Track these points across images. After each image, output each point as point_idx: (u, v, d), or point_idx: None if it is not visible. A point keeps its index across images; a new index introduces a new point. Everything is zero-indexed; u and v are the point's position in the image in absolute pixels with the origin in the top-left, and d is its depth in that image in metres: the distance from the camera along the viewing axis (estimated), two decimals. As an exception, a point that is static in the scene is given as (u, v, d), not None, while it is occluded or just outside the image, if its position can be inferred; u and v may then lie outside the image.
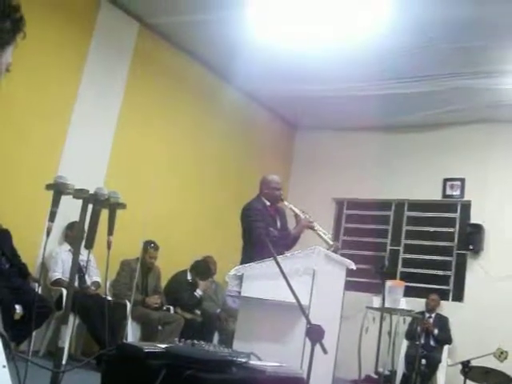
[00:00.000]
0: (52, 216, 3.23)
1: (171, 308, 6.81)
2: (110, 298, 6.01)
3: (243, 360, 2.79)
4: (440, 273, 8.57)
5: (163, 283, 7.09)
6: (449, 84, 7.23)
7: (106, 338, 4.66)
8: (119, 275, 6.44)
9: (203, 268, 7.21)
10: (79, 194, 3.36)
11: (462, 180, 8.55)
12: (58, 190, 3.24)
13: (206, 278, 7.24)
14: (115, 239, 3.57)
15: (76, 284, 5.61)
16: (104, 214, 3.52)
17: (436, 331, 7.69)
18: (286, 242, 5.27)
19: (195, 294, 7.09)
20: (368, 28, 6.18)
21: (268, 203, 5.37)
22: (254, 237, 5.09)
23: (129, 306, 6.10)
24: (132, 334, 6.14)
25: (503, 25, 5.92)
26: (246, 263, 5.01)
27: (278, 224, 5.41)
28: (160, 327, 6.44)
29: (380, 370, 6.82)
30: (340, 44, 6.58)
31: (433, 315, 7.89)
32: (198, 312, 7.08)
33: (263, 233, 5.01)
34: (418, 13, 5.86)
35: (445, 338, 7.69)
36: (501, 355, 5.65)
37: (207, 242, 7.65)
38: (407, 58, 6.75)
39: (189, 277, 7.17)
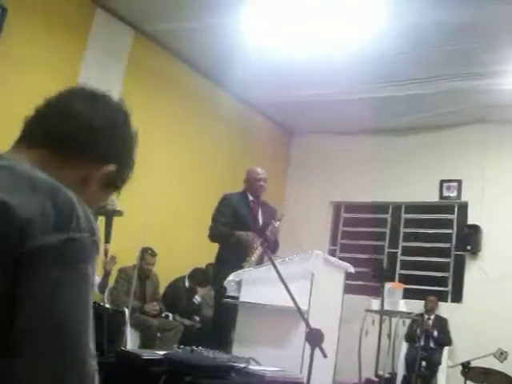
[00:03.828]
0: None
1: (170, 315, 6.79)
2: (108, 306, 6.00)
3: (242, 365, 2.79)
4: (438, 274, 8.57)
5: (162, 290, 7.07)
6: (444, 86, 7.24)
7: (104, 345, 4.64)
8: (117, 282, 6.43)
9: (201, 276, 7.19)
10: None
11: (459, 181, 8.55)
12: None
13: (205, 285, 7.22)
14: (113, 247, 3.56)
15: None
16: (101, 221, 3.52)
17: (435, 333, 7.68)
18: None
19: (193, 300, 7.08)
20: (362, 32, 6.18)
21: (251, 198, 5.24)
22: (211, 230, 5.09)
23: (127, 313, 6.09)
24: (131, 341, 6.12)
25: (496, 27, 5.94)
26: (220, 259, 5.11)
27: (260, 221, 5.20)
28: (159, 334, 6.42)
29: (380, 372, 6.81)
30: (334, 49, 6.58)
31: (432, 317, 7.88)
32: (197, 318, 7.06)
33: (222, 231, 5.00)
34: (411, 17, 5.87)
35: (444, 340, 7.68)
36: (501, 355, 5.65)
37: (205, 248, 7.61)
38: (401, 61, 6.77)
39: (187, 283, 7.16)
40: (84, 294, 0.93)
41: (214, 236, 5.14)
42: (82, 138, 1.13)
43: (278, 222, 5.17)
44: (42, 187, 0.98)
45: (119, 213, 3.44)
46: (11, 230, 0.89)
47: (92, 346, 0.94)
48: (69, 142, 1.12)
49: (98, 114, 1.16)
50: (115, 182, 1.21)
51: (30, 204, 0.93)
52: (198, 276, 7.16)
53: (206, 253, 7.36)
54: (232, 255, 4.87)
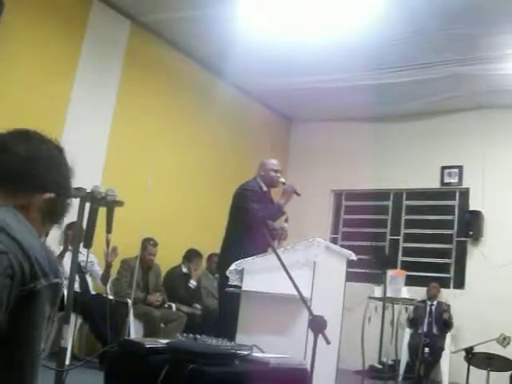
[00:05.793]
0: (50, 215, 3.22)
1: (173, 305, 6.80)
2: (111, 297, 6.01)
3: (246, 352, 2.79)
4: (441, 261, 8.57)
5: (163, 280, 7.09)
6: (443, 71, 7.21)
7: (107, 336, 4.66)
8: (120, 274, 6.44)
9: (193, 253, 7.21)
10: (76, 192, 3.34)
11: (460, 167, 8.54)
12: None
13: (199, 260, 7.22)
14: (116, 239, 3.55)
15: (77, 284, 5.63)
16: (102, 212, 3.51)
17: (445, 315, 7.70)
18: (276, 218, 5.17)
19: (189, 285, 7.09)
20: (360, 18, 6.16)
21: (265, 188, 5.22)
22: (249, 217, 4.86)
23: (130, 304, 6.10)
24: (134, 332, 6.14)
25: (496, 11, 5.90)
26: (234, 247, 4.92)
27: None
28: (162, 325, 6.44)
29: (383, 359, 6.82)
30: (332, 35, 6.56)
31: (434, 303, 7.90)
32: (198, 306, 7.06)
33: (260, 215, 4.89)
34: (410, 1, 5.84)
35: (447, 323, 7.71)
36: (504, 341, 5.66)
37: (207, 238, 7.63)
38: (400, 47, 6.73)
39: (183, 269, 7.18)
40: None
41: (254, 222, 4.81)
42: (19, 169, 1.25)
43: (286, 224, 5.17)
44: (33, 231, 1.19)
45: (120, 203, 3.44)
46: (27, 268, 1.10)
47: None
48: (7, 174, 1.24)
49: (32, 148, 1.29)
50: (54, 213, 1.30)
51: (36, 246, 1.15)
52: (190, 255, 7.18)
53: (208, 243, 7.40)
54: (251, 244, 4.72)
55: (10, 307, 1.07)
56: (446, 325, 7.68)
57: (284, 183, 5.24)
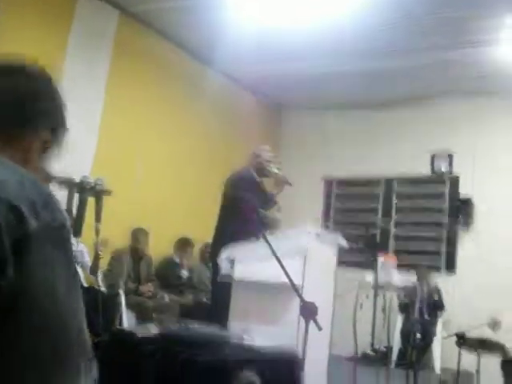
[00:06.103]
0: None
1: (165, 295, 6.80)
2: (103, 289, 5.99)
3: (238, 341, 2.79)
4: (432, 247, 8.61)
5: (155, 271, 7.08)
6: (433, 57, 7.19)
7: (99, 328, 4.64)
8: (111, 265, 6.43)
9: (184, 242, 7.22)
10: (65, 183, 3.33)
11: (450, 155, 8.56)
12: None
13: (190, 249, 7.22)
14: (106, 229, 3.53)
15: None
16: (92, 202, 3.50)
17: (435, 296, 7.77)
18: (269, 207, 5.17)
19: (180, 274, 7.09)
20: (348, 4, 6.13)
21: (257, 177, 5.24)
22: (240, 206, 4.66)
23: (122, 295, 6.09)
24: (127, 322, 6.13)
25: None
26: (226, 236, 4.89)
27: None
28: (155, 315, 6.44)
29: (376, 346, 6.85)
30: (320, 22, 6.53)
31: (425, 288, 7.92)
32: (190, 295, 7.07)
33: (254, 206, 4.81)
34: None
35: (439, 303, 7.77)
36: (494, 325, 5.71)
37: (197, 227, 7.62)
38: (389, 33, 6.70)
39: (176, 259, 7.18)
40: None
41: (248, 213, 4.62)
42: (9, 113, 1.15)
43: (278, 214, 5.18)
44: (18, 172, 1.04)
45: (107, 192, 3.43)
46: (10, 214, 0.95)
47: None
48: None
49: (19, 84, 1.19)
50: (51, 145, 1.23)
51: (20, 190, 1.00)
52: (181, 243, 7.18)
53: (199, 232, 7.39)
54: (243, 233, 4.68)
55: (8, 264, 0.91)
56: (436, 306, 7.75)
57: (276, 173, 5.24)
